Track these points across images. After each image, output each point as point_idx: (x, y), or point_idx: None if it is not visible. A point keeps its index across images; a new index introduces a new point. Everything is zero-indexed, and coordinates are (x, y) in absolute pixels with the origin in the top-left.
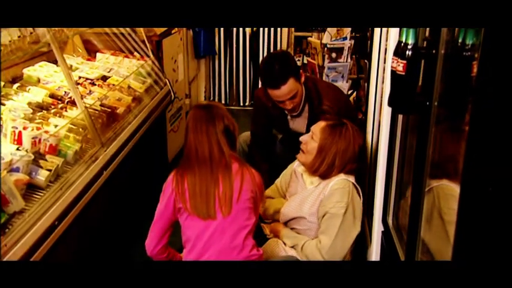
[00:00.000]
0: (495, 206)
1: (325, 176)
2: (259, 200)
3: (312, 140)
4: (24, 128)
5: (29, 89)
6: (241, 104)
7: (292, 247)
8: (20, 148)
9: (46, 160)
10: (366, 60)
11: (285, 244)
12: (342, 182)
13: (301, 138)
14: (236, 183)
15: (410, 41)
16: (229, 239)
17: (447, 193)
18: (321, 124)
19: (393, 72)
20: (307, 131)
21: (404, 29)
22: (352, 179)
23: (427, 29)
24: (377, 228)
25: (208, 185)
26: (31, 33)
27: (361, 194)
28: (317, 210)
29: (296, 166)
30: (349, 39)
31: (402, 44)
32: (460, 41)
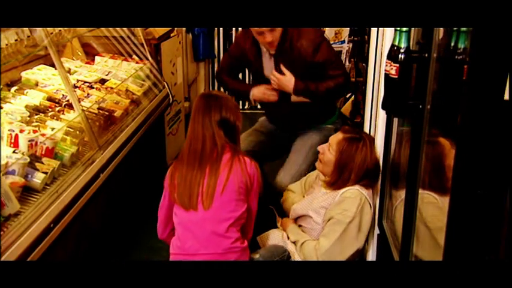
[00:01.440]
0: (484, 208)
1: (338, 188)
2: (253, 189)
3: (328, 152)
4: (21, 131)
5: (27, 92)
6: (241, 108)
7: (293, 242)
8: (16, 151)
9: (42, 163)
10: (364, 64)
11: (288, 238)
12: (354, 192)
13: (319, 148)
14: (222, 176)
15: (403, 45)
16: (210, 229)
17: (425, 202)
18: (339, 136)
19: (386, 76)
20: (276, 70)
21: (397, 33)
22: (365, 192)
23: (420, 32)
24: (373, 231)
25: (193, 177)
26: (28, 36)
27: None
28: (324, 213)
29: None
30: (347, 43)
31: (395, 48)
32: (452, 44)
